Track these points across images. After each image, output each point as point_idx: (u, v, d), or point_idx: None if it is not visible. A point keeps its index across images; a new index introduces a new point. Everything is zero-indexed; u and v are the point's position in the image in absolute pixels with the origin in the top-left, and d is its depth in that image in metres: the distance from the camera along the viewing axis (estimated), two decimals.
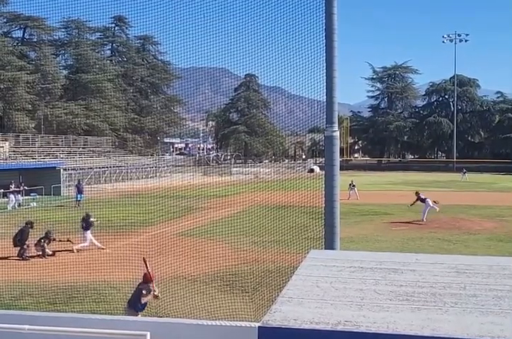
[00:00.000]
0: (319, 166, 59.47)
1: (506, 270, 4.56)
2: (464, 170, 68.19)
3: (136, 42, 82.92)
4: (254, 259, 18.81)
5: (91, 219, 21.53)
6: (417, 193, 30.67)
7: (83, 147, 59.58)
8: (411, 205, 29.99)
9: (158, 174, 55.42)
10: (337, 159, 9.23)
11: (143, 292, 11.04)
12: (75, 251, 20.13)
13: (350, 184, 41.27)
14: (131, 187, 37.96)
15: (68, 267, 16.17)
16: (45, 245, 19.62)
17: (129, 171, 53.89)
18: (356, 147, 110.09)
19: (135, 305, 11.00)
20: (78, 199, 35.29)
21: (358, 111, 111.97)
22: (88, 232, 20.89)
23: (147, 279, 11.19)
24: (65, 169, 45.76)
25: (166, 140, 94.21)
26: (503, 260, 4.94)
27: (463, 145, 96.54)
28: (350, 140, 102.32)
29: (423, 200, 29.86)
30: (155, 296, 11.47)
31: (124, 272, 14.58)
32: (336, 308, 3.72)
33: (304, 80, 11.73)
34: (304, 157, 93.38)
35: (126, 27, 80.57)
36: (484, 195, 43.99)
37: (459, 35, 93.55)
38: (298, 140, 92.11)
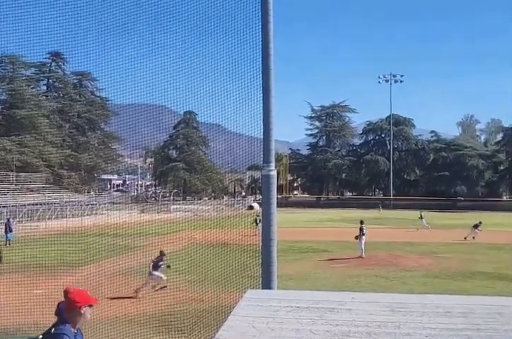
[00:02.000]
0: (258, 203, 59.57)
1: (440, 308, 4.57)
2: (380, 206, 76.40)
3: (73, 78, 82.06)
4: (191, 298, 18.49)
5: (163, 263, 20.49)
6: (362, 222, 31.40)
7: (15, 184, 57.92)
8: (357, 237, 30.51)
9: (94, 212, 54.27)
10: (274, 198, 9.22)
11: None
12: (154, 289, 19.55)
13: (420, 217, 44.65)
14: (65, 225, 36.98)
15: None
16: None
17: (63, 208, 52.58)
18: (296, 185, 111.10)
19: None
20: (8, 238, 34.06)
21: (297, 149, 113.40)
22: (156, 272, 20.09)
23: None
24: None
25: (103, 176, 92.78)
26: (437, 298, 4.96)
27: (399, 183, 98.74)
28: (289, 178, 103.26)
29: (361, 233, 30.31)
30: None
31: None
32: None
33: (242, 118, 11.79)
34: (243, 194, 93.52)
35: (63, 63, 79.71)
36: (419, 232, 44.86)
37: (394, 76, 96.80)
38: (238, 177, 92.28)
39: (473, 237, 38.64)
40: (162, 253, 20.80)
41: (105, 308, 14.29)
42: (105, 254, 24.81)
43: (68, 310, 5.05)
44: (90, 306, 5.06)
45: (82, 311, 5.02)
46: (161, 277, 20.07)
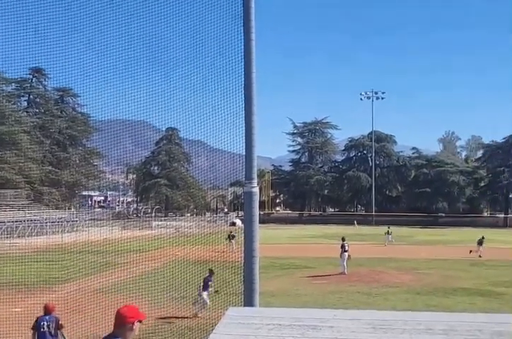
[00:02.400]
0: (241, 219, 59.43)
1: (421, 325, 4.58)
2: (355, 222, 78.40)
3: (54, 94, 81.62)
4: (174, 316, 18.36)
5: (212, 282, 19.75)
6: (343, 239, 31.43)
7: None
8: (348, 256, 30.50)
9: (75, 229, 53.74)
10: (257, 215, 9.23)
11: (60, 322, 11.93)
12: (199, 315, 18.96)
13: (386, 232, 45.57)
14: (46, 242, 36.56)
15: None
16: None
17: (44, 225, 52.02)
18: (278, 201, 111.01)
19: None
20: None
21: (280, 165, 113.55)
22: (205, 294, 19.42)
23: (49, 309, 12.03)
24: None
25: (84, 193, 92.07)
26: (418, 315, 4.97)
27: (381, 199, 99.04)
28: (271, 194, 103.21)
29: (343, 250, 30.33)
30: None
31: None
32: None
33: (225, 134, 11.81)
34: (226, 210, 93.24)
35: (44, 79, 79.23)
36: (401, 248, 44.97)
37: (375, 93, 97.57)
38: (220, 193, 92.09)
39: (479, 255, 37.40)
40: (211, 272, 20.10)
41: (84, 327, 14.12)
42: (86, 272, 24.57)
43: (119, 325, 5.07)
44: (140, 321, 5.07)
45: (134, 327, 5.05)
46: (206, 303, 19.32)
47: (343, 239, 31.75)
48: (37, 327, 12.02)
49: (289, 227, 78.46)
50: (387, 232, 49.07)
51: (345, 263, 29.68)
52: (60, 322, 12.20)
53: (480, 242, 39.13)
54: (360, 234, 59.07)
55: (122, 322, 5.04)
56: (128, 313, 5.09)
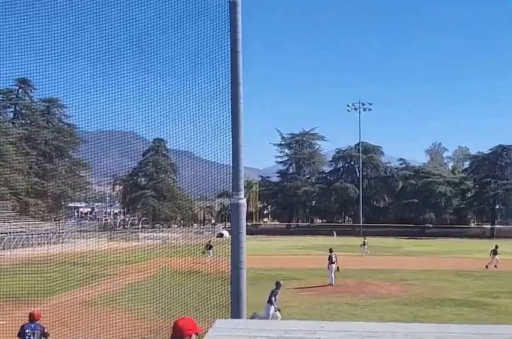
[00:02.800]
0: (228, 230, 59.26)
1: (408, 336, 4.56)
2: (334, 232, 79.20)
3: (40, 105, 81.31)
4: (160, 328, 18.19)
5: (278, 295, 19.21)
6: (331, 251, 31.36)
7: None
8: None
9: (61, 240, 53.33)
10: (244, 227, 9.21)
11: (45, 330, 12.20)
12: None
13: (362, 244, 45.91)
14: (31, 254, 36.23)
15: None
16: None
17: (29, 237, 51.60)
18: (266, 212, 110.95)
19: None
20: None
21: (267, 176, 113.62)
22: (272, 307, 18.87)
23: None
24: None
25: (71, 204, 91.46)
26: (406, 327, 4.95)
27: (369, 210, 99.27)
28: (259, 205, 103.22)
29: (330, 261, 30.29)
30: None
31: None
32: None
33: (212, 145, 11.80)
34: (213, 221, 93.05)
35: (31, 90, 78.95)
36: (389, 259, 45.02)
37: (363, 104, 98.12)
38: (208, 204, 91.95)
39: (495, 266, 36.48)
40: (278, 284, 19.70)
41: None
42: (73, 284, 24.35)
43: (177, 338, 5.07)
44: (197, 334, 5.04)
45: None
46: (277, 317, 18.59)
47: (330, 250, 31.74)
48: (22, 334, 12.29)
49: (277, 238, 78.36)
50: (363, 243, 49.11)
51: (333, 275, 29.65)
52: (45, 330, 12.53)
53: (494, 252, 37.74)
54: (347, 245, 59.08)
55: (180, 334, 5.05)
56: (186, 326, 5.10)
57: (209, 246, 37.55)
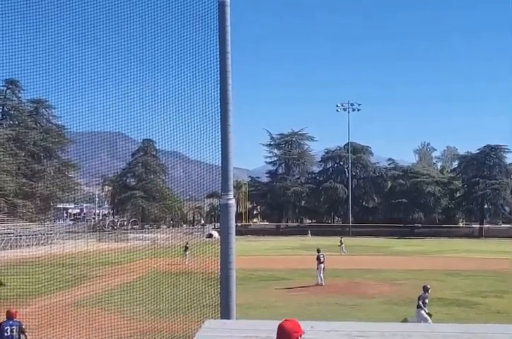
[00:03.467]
0: (217, 231, 59.16)
1: (397, 335, 4.57)
2: (309, 232, 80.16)
3: (28, 106, 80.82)
4: (150, 329, 18.16)
5: (426, 300, 18.64)
6: (318, 251, 31.33)
7: None
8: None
9: (49, 241, 53.07)
10: (233, 227, 9.20)
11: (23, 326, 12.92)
12: None
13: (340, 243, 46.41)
14: (20, 255, 36.06)
15: None
16: None
17: (18, 238, 51.31)
18: (255, 212, 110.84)
19: None
20: None
21: (257, 177, 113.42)
22: (423, 311, 18.29)
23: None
24: None
25: (59, 205, 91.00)
26: (394, 326, 4.97)
27: (358, 210, 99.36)
28: (249, 205, 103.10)
29: (319, 262, 30.28)
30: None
31: None
32: None
33: (201, 145, 11.79)
34: (203, 222, 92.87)
35: (19, 91, 78.46)
36: (378, 259, 45.15)
37: (352, 105, 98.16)
38: (197, 205, 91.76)
39: None
40: (425, 289, 19.14)
41: None
42: (62, 285, 24.27)
43: None
44: (300, 335, 5.00)
45: None
46: (428, 322, 17.47)
47: (318, 251, 31.73)
48: (0, 331, 12.80)
49: (267, 238, 78.37)
50: (340, 243, 50.25)
51: (322, 275, 29.68)
52: (23, 326, 13.19)
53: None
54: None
55: (288, 337, 5.00)
56: (293, 328, 5.04)
57: (186, 248, 37.68)
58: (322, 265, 30.18)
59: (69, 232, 62.05)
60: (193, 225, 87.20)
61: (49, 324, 15.81)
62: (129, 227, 76.76)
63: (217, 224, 68.14)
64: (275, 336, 4.84)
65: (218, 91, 9.72)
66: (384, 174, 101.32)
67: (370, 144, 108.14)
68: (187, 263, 33.98)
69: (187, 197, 77.66)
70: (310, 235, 79.15)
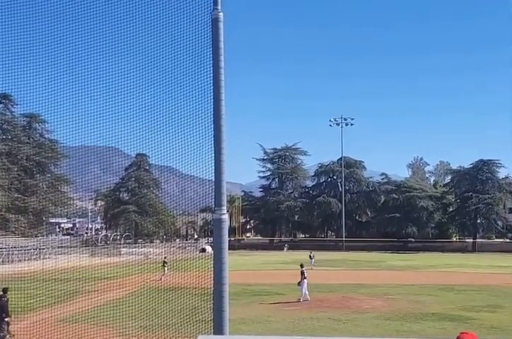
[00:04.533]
0: (211, 245, 59.03)
1: None
2: (287, 245, 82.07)
3: (21, 120, 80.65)
4: None
5: None
6: (301, 266, 31.03)
7: None
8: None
9: (41, 256, 52.78)
10: (226, 242, 9.22)
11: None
12: None
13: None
14: (12, 270, 35.83)
15: None
16: None
17: (10, 253, 51.01)
18: (248, 227, 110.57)
19: None
20: None
21: (250, 191, 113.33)
22: None
23: None
24: None
25: (52, 220, 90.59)
26: None
27: (351, 224, 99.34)
28: (242, 220, 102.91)
29: (302, 277, 30.02)
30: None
31: None
32: None
33: (194, 160, 11.83)
34: (196, 236, 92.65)
35: (12, 105, 78.33)
36: (372, 274, 45.09)
37: (345, 119, 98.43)
38: (190, 219, 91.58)
39: None
40: None
41: None
42: (54, 300, 24.13)
43: None
44: None
45: None
46: None
47: (301, 266, 31.24)
48: None
49: (260, 253, 78.22)
50: (310, 257, 51.38)
51: (305, 290, 29.34)
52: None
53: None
54: (331, 259, 59.17)
55: None
56: None
57: (164, 262, 37.73)
58: (305, 280, 29.85)
59: (62, 246, 61.72)
60: (186, 240, 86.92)
61: None
62: (122, 241, 76.42)
63: (210, 239, 68.06)
64: None
65: (212, 106, 9.78)
66: (377, 188, 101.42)
67: (363, 158, 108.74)
68: (162, 279, 33.91)
69: (181, 211, 77.45)
70: (286, 249, 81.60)
